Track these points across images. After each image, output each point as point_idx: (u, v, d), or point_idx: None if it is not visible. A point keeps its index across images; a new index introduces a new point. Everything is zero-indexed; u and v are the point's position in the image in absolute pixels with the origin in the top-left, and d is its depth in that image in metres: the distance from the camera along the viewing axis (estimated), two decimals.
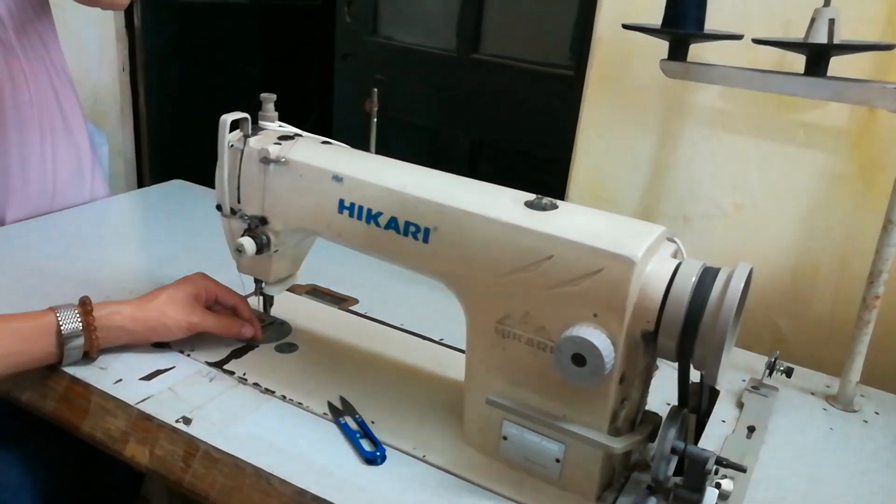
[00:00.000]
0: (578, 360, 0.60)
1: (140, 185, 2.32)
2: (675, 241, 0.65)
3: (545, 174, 1.42)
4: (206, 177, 0.90)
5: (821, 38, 0.77)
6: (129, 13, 2.15)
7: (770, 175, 1.06)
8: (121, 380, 0.78)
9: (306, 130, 0.81)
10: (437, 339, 0.92)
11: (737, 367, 0.91)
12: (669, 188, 1.14)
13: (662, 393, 0.74)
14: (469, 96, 1.88)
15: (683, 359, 0.60)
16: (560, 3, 1.70)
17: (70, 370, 0.78)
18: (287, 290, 0.91)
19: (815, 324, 1.07)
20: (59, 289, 0.95)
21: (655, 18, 0.88)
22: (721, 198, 1.10)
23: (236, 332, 0.85)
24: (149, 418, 0.73)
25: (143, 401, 0.75)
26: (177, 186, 1.43)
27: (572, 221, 0.64)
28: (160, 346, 0.85)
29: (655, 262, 0.61)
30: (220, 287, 0.86)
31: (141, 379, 0.78)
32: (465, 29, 1.86)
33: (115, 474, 0.90)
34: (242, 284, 0.88)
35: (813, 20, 0.78)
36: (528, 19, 1.79)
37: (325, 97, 2.32)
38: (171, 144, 2.38)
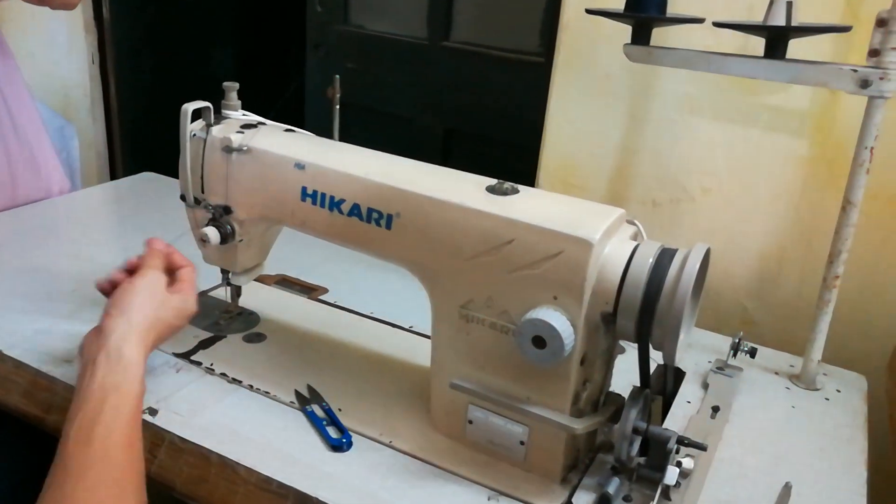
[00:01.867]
0: (539, 342, 0.60)
1: (113, 177, 2.29)
2: (634, 224, 0.66)
3: (517, 161, 1.42)
4: (178, 169, 0.89)
5: (779, 20, 0.78)
6: (97, 3, 2.12)
7: (736, 158, 1.07)
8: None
9: (273, 118, 0.80)
10: (406, 327, 0.92)
11: (703, 349, 0.92)
12: (638, 173, 1.15)
13: (628, 376, 0.74)
14: (441, 84, 1.88)
15: (642, 339, 0.61)
16: None
17: (34, 364, 0.78)
18: (256, 280, 0.91)
19: (782, 305, 1.08)
20: (28, 283, 0.95)
21: (621, 3, 0.89)
22: (688, 182, 1.11)
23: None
24: None
25: None
26: (147, 179, 1.42)
27: (532, 206, 0.64)
28: None
29: (614, 245, 0.61)
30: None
31: None
32: (435, 17, 1.86)
33: None
34: (208, 275, 0.87)
35: (771, 3, 0.79)
36: (498, 6, 1.79)
37: (299, 88, 2.31)
38: (144, 136, 2.35)
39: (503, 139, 1.78)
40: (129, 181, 1.43)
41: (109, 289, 0.74)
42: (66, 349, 0.81)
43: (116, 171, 2.33)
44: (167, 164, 1.40)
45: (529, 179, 1.23)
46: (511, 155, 1.65)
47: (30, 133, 1.23)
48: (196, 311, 0.76)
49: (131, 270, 0.75)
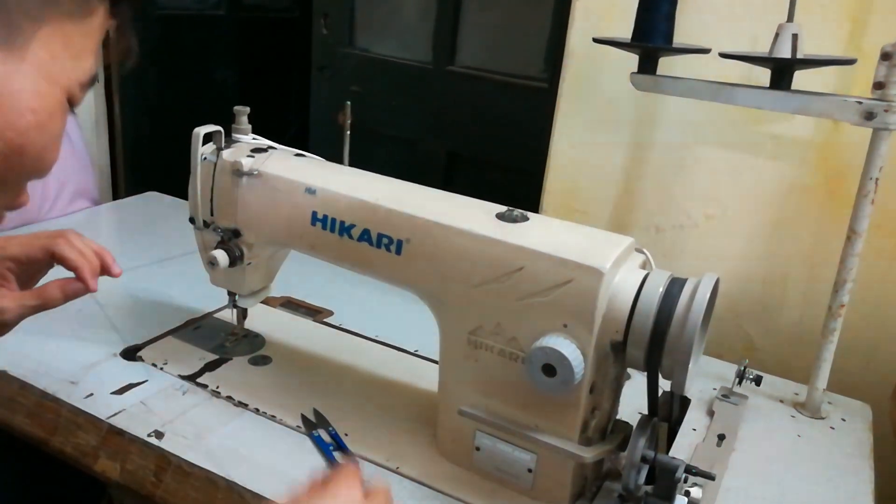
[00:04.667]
0: (549, 370, 0.60)
1: (115, 197, 2.30)
2: (643, 252, 0.66)
3: (521, 186, 1.43)
4: (181, 189, 0.89)
5: (784, 52, 0.79)
6: None
7: (739, 186, 1.08)
8: (92, 394, 0.77)
9: (285, 144, 0.81)
10: (412, 351, 0.92)
11: (708, 376, 0.92)
12: (641, 199, 1.15)
13: (634, 402, 0.75)
14: (445, 108, 1.89)
15: (652, 368, 0.61)
16: (534, 16, 1.72)
17: (40, 385, 0.78)
18: (261, 302, 0.91)
19: (785, 332, 1.09)
20: None
21: (627, 32, 0.90)
22: (692, 208, 1.12)
23: (58, 300, 0.68)
24: (120, 433, 0.72)
25: (114, 415, 0.74)
26: (151, 198, 1.43)
27: (542, 233, 0.64)
28: (132, 358, 0.84)
29: (624, 273, 0.62)
30: (23, 249, 0.70)
31: (112, 393, 0.78)
32: (440, 41, 1.87)
33: (76, 487, 0.89)
34: (214, 296, 0.88)
35: (777, 35, 0.80)
36: (503, 32, 1.81)
37: (304, 110, 2.32)
38: (147, 157, 2.36)
39: (506, 164, 1.79)
40: (133, 201, 1.43)
41: None
42: (72, 370, 0.81)
43: (119, 190, 2.33)
44: (169, 183, 1.41)
45: (533, 204, 1.24)
46: (514, 180, 1.66)
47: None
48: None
49: None
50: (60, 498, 0.90)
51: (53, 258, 0.70)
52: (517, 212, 0.67)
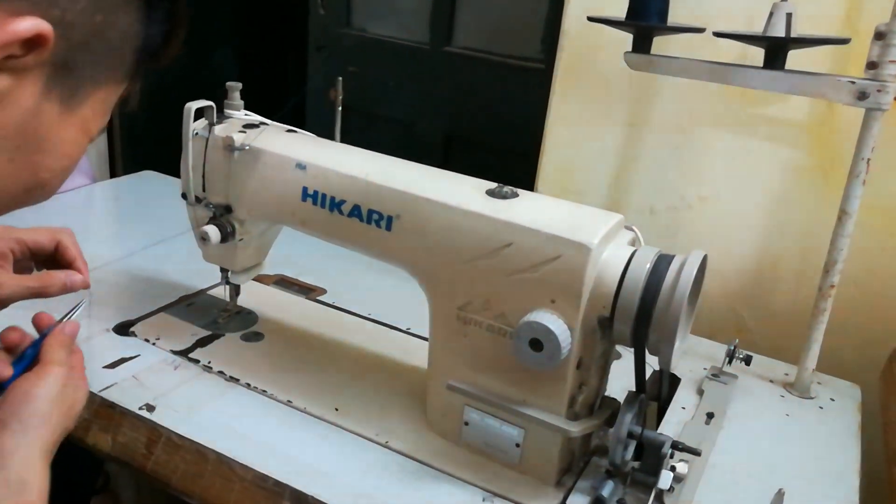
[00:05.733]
0: (536, 345, 0.61)
1: (112, 175, 2.29)
2: (632, 230, 0.66)
3: (516, 167, 1.42)
4: (178, 167, 0.89)
5: (778, 31, 0.79)
6: None
7: (734, 168, 1.08)
8: (84, 368, 0.77)
9: (280, 121, 0.81)
10: (404, 328, 0.93)
11: (698, 356, 0.93)
12: (636, 181, 1.15)
13: (624, 381, 0.75)
14: (442, 89, 1.88)
15: (638, 344, 0.62)
16: None
17: None
18: (254, 279, 0.91)
19: (777, 313, 1.09)
20: None
21: (622, 12, 0.89)
22: (686, 190, 1.12)
23: (57, 286, 0.70)
24: (112, 406, 0.73)
25: (106, 388, 0.75)
26: (147, 177, 1.43)
27: (531, 210, 0.65)
28: (125, 334, 0.85)
29: (612, 250, 0.62)
30: (30, 234, 0.72)
31: (105, 367, 0.78)
32: (437, 21, 1.86)
33: (77, 467, 0.90)
34: (208, 273, 0.88)
35: (771, 14, 0.79)
36: (500, 13, 1.80)
37: (301, 88, 2.31)
38: (145, 135, 2.35)
39: (502, 144, 1.79)
40: (129, 179, 1.43)
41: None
42: None
43: (116, 168, 2.33)
44: (167, 162, 1.40)
45: (528, 185, 1.24)
46: (509, 160, 1.65)
47: None
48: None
49: (7, 349, 0.63)
50: (58, 478, 0.91)
51: (57, 248, 0.72)
52: (507, 188, 0.67)
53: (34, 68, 0.42)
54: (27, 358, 0.61)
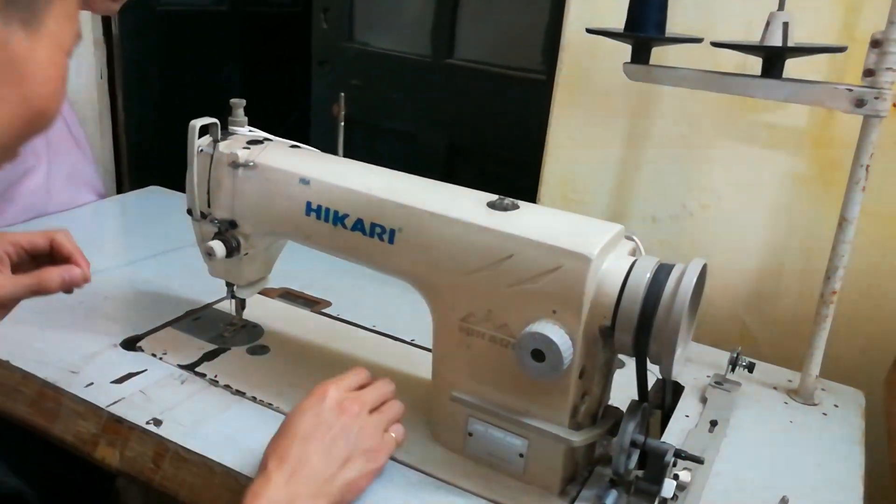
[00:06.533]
0: (538, 355, 0.61)
1: (119, 191, 2.31)
2: (633, 239, 0.67)
3: (519, 177, 1.43)
4: (185, 183, 0.91)
5: (775, 41, 0.79)
6: (106, 20, 2.15)
7: (734, 175, 1.08)
8: (92, 383, 0.78)
9: (281, 136, 0.82)
10: (408, 340, 0.93)
11: (702, 364, 0.93)
12: (637, 189, 1.16)
13: (627, 390, 0.75)
14: (444, 101, 1.89)
15: (640, 353, 0.62)
16: (531, 8, 1.72)
17: (41, 375, 0.79)
18: (259, 293, 0.92)
19: (780, 320, 1.09)
20: None
21: (621, 23, 0.90)
22: (687, 198, 1.12)
23: (56, 282, 0.71)
24: (119, 420, 0.74)
25: (114, 403, 0.76)
26: (154, 193, 1.44)
27: (532, 221, 0.65)
28: (132, 349, 0.86)
29: (612, 260, 0.63)
30: (24, 236, 0.73)
31: (112, 382, 0.79)
32: (439, 34, 1.88)
33: (88, 477, 0.91)
34: (214, 288, 0.89)
35: (768, 23, 0.80)
36: (501, 25, 1.81)
37: (305, 102, 2.33)
38: (151, 151, 2.38)
39: (505, 155, 1.80)
40: (136, 195, 1.45)
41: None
42: (73, 360, 0.82)
43: (123, 184, 2.35)
44: (173, 178, 1.42)
45: (531, 195, 1.25)
46: (513, 171, 1.67)
47: (78, 139, 1.27)
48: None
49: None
50: (69, 495, 0.92)
51: (52, 246, 0.73)
52: (507, 200, 0.68)
53: None
54: None
